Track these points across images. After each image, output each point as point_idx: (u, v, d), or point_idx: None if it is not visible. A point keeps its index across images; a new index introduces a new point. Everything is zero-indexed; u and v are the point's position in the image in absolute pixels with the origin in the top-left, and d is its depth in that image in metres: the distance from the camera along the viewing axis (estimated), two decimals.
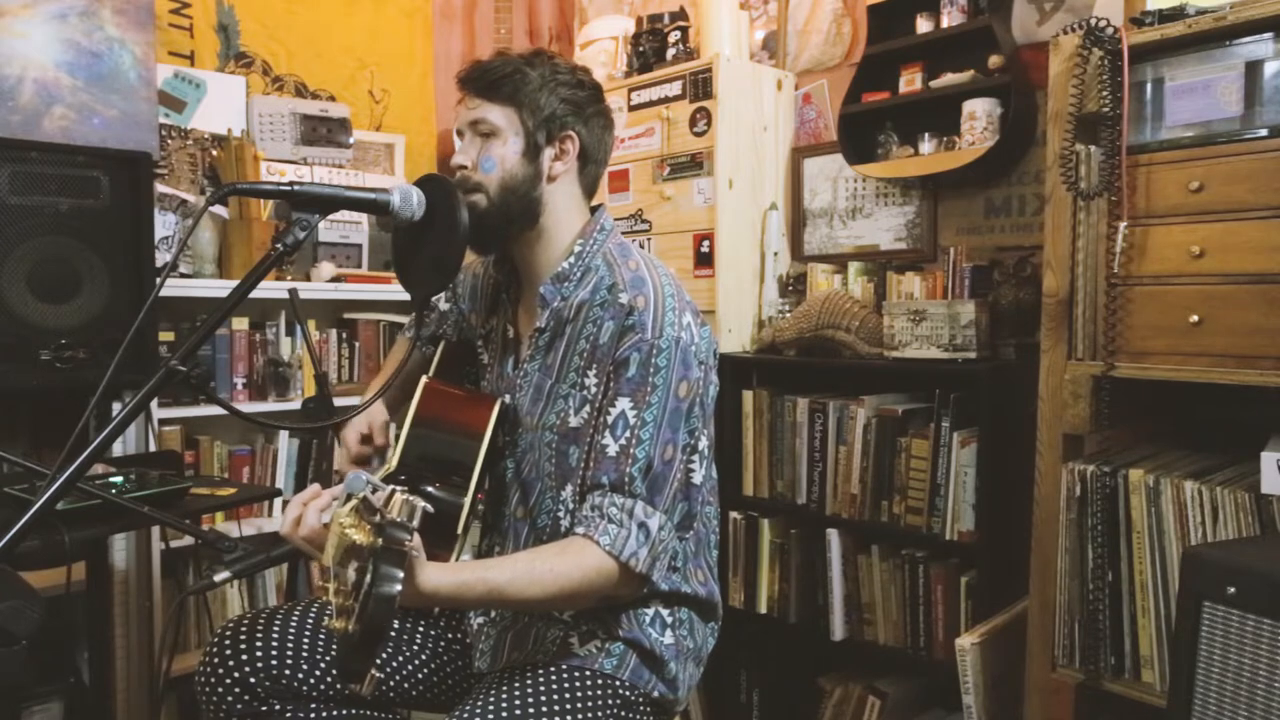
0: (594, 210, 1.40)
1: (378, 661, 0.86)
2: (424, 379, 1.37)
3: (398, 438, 1.33)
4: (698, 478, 1.31)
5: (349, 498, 0.91)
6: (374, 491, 0.92)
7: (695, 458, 1.30)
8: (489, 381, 1.47)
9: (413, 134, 3.07)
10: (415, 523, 0.90)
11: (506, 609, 1.36)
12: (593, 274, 1.32)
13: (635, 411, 1.21)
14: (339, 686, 1.29)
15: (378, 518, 0.87)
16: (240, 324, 2.42)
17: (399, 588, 0.84)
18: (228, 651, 1.27)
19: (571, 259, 1.33)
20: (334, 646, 1.27)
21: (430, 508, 1.04)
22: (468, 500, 1.25)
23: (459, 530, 1.24)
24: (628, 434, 1.20)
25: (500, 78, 1.30)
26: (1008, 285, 2.03)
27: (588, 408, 1.26)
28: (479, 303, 1.52)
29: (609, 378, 1.24)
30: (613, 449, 1.20)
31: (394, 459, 1.30)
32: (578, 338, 1.30)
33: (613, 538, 1.17)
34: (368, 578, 0.84)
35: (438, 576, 1.05)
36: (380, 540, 0.86)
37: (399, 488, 0.93)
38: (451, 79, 1.43)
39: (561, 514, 1.28)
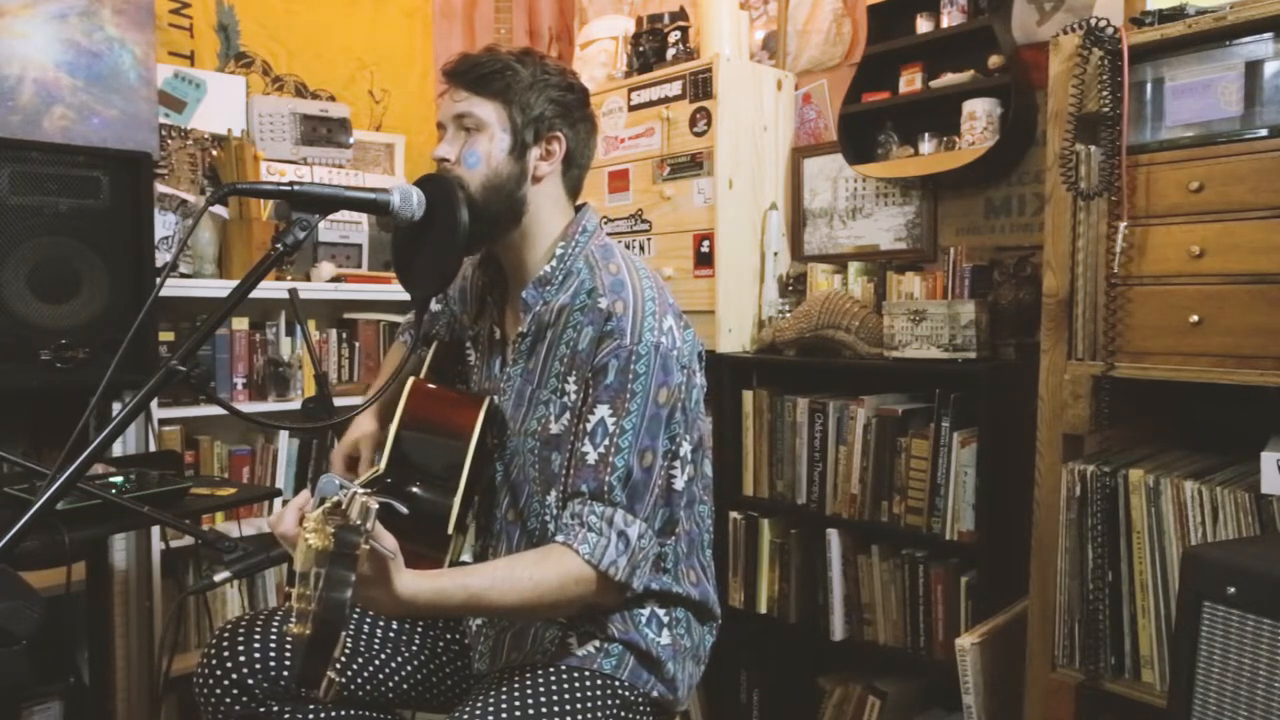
0: (578, 210, 1.39)
1: (336, 666, 0.85)
2: (411, 379, 1.37)
3: (385, 440, 1.33)
4: (679, 484, 1.30)
5: (322, 501, 0.91)
6: (346, 494, 0.92)
7: (677, 463, 1.29)
8: (476, 383, 1.47)
9: (413, 134, 3.07)
10: (369, 524, 0.89)
11: (487, 616, 1.36)
12: (574, 277, 1.31)
13: (614, 419, 1.20)
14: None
15: (337, 521, 0.87)
16: (240, 324, 2.41)
17: (350, 592, 0.84)
18: (225, 653, 1.27)
19: (554, 262, 1.32)
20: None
21: (400, 506, 1.02)
22: (457, 500, 1.24)
23: (449, 531, 1.24)
24: (607, 442, 1.20)
25: (491, 73, 1.28)
26: (1008, 285, 2.03)
27: (568, 414, 1.25)
28: (468, 304, 1.52)
29: (588, 384, 1.23)
30: (592, 457, 1.20)
31: (382, 461, 1.29)
32: (558, 343, 1.29)
33: (592, 546, 1.16)
34: (321, 582, 0.85)
35: (415, 584, 1.04)
36: (332, 544, 0.86)
37: (360, 490, 0.92)
38: None
39: (548, 518, 1.28)
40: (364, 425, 1.50)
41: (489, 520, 1.41)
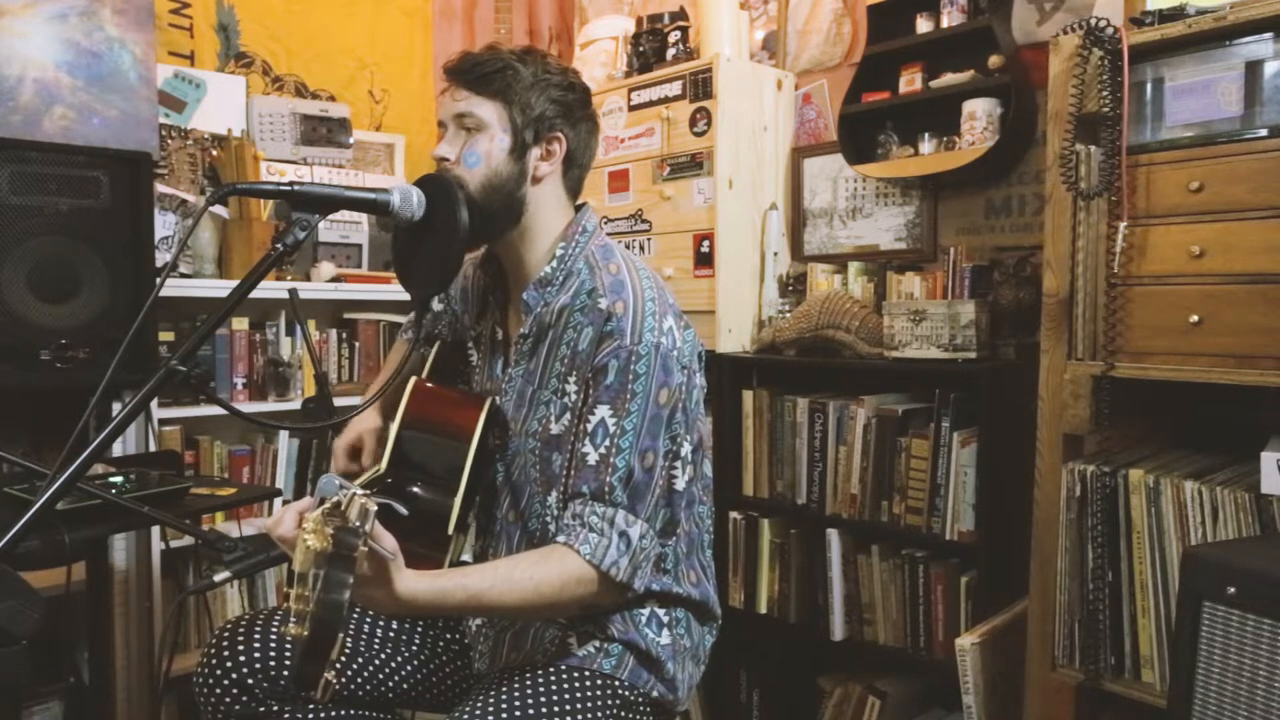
0: (578, 210, 1.39)
1: (335, 668, 0.85)
2: (413, 379, 1.37)
3: (387, 440, 1.33)
4: (680, 484, 1.30)
5: (322, 501, 0.91)
6: (345, 494, 0.92)
7: (678, 464, 1.29)
8: (478, 383, 1.47)
9: (413, 134, 3.07)
10: (367, 526, 0.89)
11: (487, 616, 1.35)
12: (574, 278, 1.31)
13: (615, 419, 1.20)
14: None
15: (336, 523, 0.87)
16: (240, 324, 2.42)
17: (347, 594, 0.84)
18: (225, 653, 1.27)
19: (554, 263, 1.32)
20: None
21: (400, 507, 1.01)
22: (458, 501, 1.24)
23: (449, 531, 1.24)
24: (608, 442, 1.19)
25: (492, 72, 1.28)
26: (1008, 285, 2.03)
27: (568, 415, 1.25)
28: (469, 304, 1.51)
29: (588, 385, 1.22)
30: (593, 457, 1.20)
31: (383, 461, 1.29)
32: (559, 343, 1.29)
33: (593, 546, 1.16)
34: (319, 584, 0.84)
35: (414, 583, 1.04)
36: (330, 546, 0.85)
37: (360, 491, 0.91)
38: None
39: (549, 519, 1.28)
40: (366, 419, 1.50)
41: (489, 521, 1.41)
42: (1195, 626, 1.17)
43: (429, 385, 1.40)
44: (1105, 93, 1.48)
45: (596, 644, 1.28)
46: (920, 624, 1.99)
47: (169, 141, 2.48)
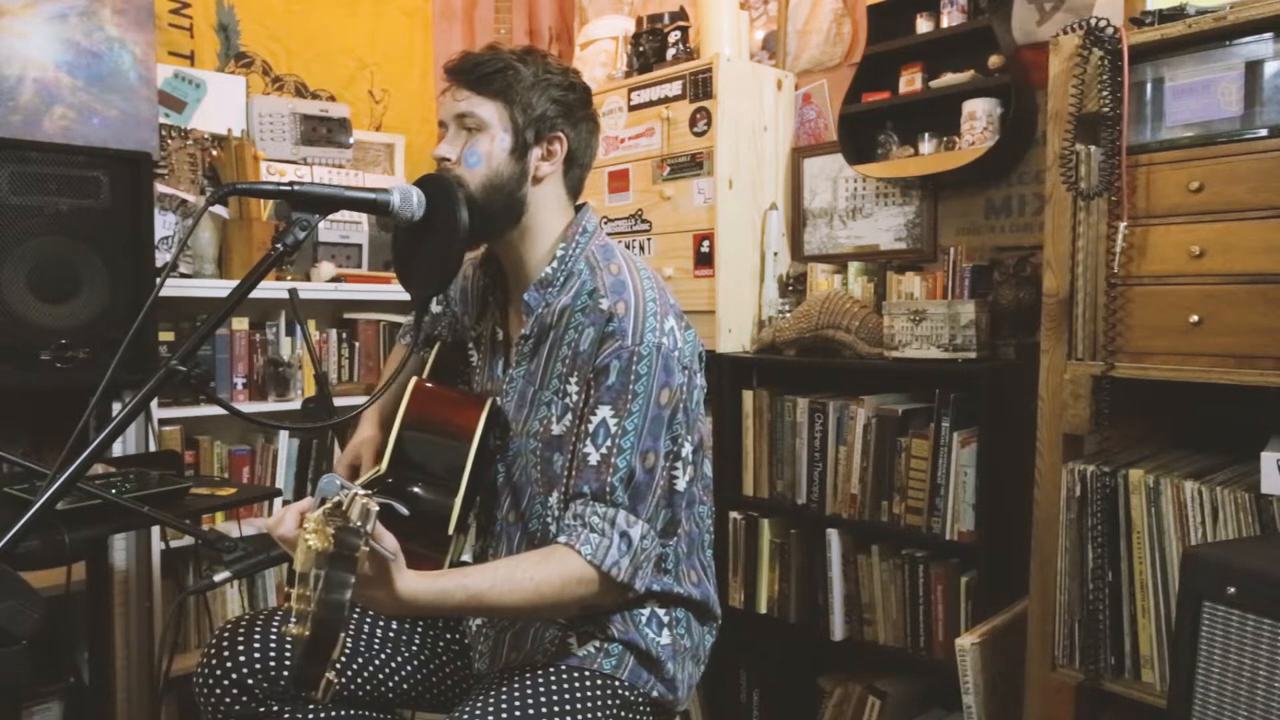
0: (579, 209, 1.38)
1: (335, 668, 0.85)
2: (414, 380, 1.37)
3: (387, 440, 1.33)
4: (680, 484, 1.30)
5: (323, 501, 0.91)
6: (346, 494, 0.92)
7: (678, 464, 1.29)
8: (479, 383, 1.47)
9: (413, 134, 3.07)
10: (369, 526, 0.89)
11: (488, 616, 1.35)
12: (575, 278, 1.31)
13: (616, 420, 1.20)
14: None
15: (338, 523, 0.87)
16: (240, 324, 2.42)
17: (348, 595, 0.84)
18: (225, 653, 1.27)
19: (554, 264, 1.32)
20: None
21: (401, 507, 1.01)
22: (458, 501, 1.24)
23: (450, 531, 1.24)
24: (609, 443, 1.19)
25: (492, 72, 1.28)
26: (1008, 285, 2.03)
27: (570, 415, 1.25)
28: (469, 305, 1.51)
29: (589, 385, 1.22)
30: (594, 458, 1.20)
31: (384, 461, 1.29)
32: (560, 344, 1.29)
33: (594, 547, 1.16)
34: (320, 584, 0.84)
35: (415, 584, 1.04)
36: (332, 546, 0.85)
37: (361, 491, 0.91)
38: None
39: (550, 520, 1.28)
40: (364, 431, 1.50)
41: (490, 521, 1.41)
42: (1195, 626, 1.17)
43: (429, 385, 1.40)
44: (1105, 93, 1.48)
45: (596, 644, 1.28)
46: (920, 624, 1.99)
47: (169, 141, 2.48)
